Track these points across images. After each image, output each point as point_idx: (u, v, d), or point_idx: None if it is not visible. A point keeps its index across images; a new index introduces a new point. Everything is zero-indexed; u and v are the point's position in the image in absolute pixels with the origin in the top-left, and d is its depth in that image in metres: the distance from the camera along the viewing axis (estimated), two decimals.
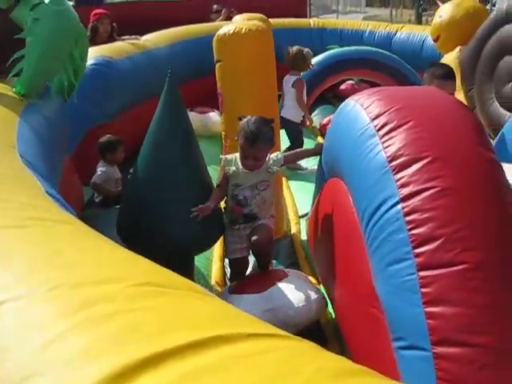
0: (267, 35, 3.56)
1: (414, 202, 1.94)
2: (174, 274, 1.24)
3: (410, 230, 1.90)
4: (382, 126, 2.19)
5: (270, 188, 2.97)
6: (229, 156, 2.96)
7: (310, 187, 4.55)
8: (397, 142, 2.11)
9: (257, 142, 2.79)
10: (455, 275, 1.78)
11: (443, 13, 5.95)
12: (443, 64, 3.95)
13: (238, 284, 2.85)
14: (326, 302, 2.66)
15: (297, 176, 5.10)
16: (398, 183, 2.01)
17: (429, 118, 2.19)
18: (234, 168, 2.87)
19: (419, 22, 24.63)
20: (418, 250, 1.86)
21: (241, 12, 8.87)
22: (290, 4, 11.82)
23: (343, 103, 2.67)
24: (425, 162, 2.00)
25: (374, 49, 6.77)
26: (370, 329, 2.15)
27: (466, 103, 5.39)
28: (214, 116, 6.16)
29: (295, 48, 5.59)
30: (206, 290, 1.29)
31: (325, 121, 6.48)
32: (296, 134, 5.46)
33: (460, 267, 1.78)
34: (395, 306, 1.91)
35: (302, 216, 4.21)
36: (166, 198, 2.71)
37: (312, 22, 8.88)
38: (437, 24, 6.00)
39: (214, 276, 3.32)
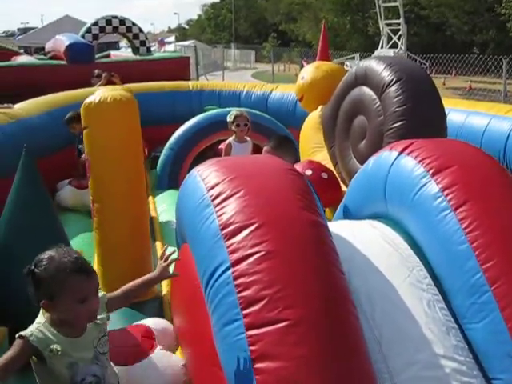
0: (132, 104, 3.79)
1: (241, 266, 2.12)
2: None
3: (239, 292, 2.07)
4: (217, 196, 2.39)
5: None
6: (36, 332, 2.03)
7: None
8: (228, 210, 2.31)
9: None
10: (277, 332, 1.96)
11: (305, 74, 6.42)
12: (278, 135, 4.49)
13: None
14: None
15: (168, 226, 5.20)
16: (229, 249, 2.19)
17: (257, 186, 2.41)
18: (55, 345, 2.02)
19: None
20: (245, 311, 2.03)
21: (122, 77, 9.14)
22: (173, 67, 12.21)
23: (188, 174, 2.86)
24: (252, 228, 2.20)
25: (247, 109, 7.09)
26: None
27: (330, 159, 5.81)
28: None
29: None
30: None
31: None
32: None
33: (281, 324, 1.96)
34: (230, 364, 2.06)
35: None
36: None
37: (191, 84, 9.18)
38: (300, 85, 6.46)
39: None
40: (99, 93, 3.73)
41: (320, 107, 6.15)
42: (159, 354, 2.76)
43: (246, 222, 2.24)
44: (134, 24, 14.31)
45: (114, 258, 3.75)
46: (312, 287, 2.08)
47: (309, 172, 5.15)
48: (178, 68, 12.39)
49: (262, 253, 2.13)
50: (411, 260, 2.68)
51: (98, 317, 2.16)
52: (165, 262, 2.47)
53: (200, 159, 6.43)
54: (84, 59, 11.21)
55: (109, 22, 13.95)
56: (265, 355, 1.94)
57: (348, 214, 3.41)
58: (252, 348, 1.97)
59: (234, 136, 5.50)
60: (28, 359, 2.02)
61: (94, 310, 2.10)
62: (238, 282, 2.09)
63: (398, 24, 30.24)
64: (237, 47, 43.00)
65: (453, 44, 32.04)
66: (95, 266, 3.11)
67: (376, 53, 31.36)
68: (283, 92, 8.66)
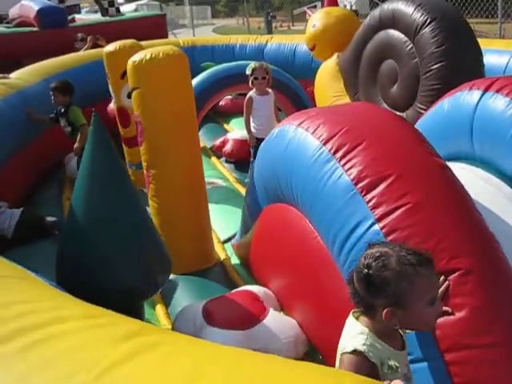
0: (185, 60, 3.50)
1: (390, 220, 2.01)
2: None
3: None
4: (337, 149, 2.26)
5: None
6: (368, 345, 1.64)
7: (223, 208, 4.57)
8: (357, 163, 2.19)
9: None
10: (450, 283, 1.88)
11: (316, 22, 6.19)
12: None
13: (211, 308, 2.74)
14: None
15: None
16: (370, 204, 2.08)
17: (378, 136, 2.30)
18: (391, 360, 1.65)
19: (269, 29, 25.60)
20: None
21: (105, 38, 8.75)
22: (149, 25, 11.75)
23: (278, 129, 2.71)
24: (390, 180, 2.09)
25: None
26: None
27: None
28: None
29: None
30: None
31: (218, 142, 6.53)
32: None
33: (452, 275, 1.88)
34: None
35: (225, 241, 4.18)
36: (110, 240, 2.58)
37: (181, 41, 8.86)
38: (311, 34, 6.23)
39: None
40: (147, 50, 3.44)
41: (336, 55, 5.98)
42: (275, 316, 2.67)
43: (380, 174, 2.12)
44: None
45: (174, 228, 3.55)
46: (469, 234, 1.99)
47: None
48: (154, 27, 11.91)
49: (409, 205, 2.02)
50: None
51: None
52: None
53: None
54: (57, 24, 10.61)
55: None
56: None
57: None
58: None
59: (254, 89, 5.32)
60: None
61: (440, 312, 1.76)
62: (390, 237, 1.99)
63: None
64: (189, 3, 41.79)
65: None
66: None
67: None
68: (279, 43, 8.45)
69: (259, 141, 5.37)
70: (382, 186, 2.10)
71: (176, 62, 3.39)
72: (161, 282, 2.75)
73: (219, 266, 3.82)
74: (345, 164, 2.21)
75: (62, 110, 5.31)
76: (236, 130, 6.91)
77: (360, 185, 2.14)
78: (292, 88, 6.62)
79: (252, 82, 5.23)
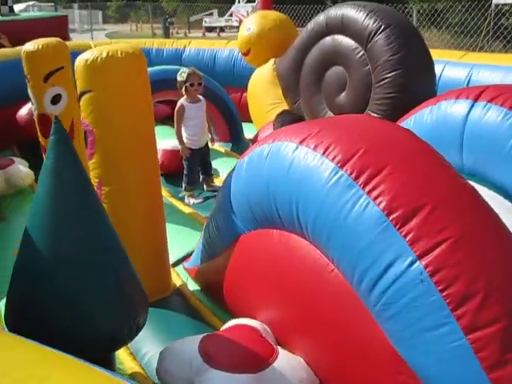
0: (144, 59, 3.01)
1: (434, 257, 1.76)
2: None
3: (443, 290, 1.72)
4: (359, 174, 1.96)
5: None
6: None
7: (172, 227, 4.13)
8: (385, 191, 1.90)
9: None
10: (506, 330, 1.64)
11: (251, 25, 5.86)
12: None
13: (211, 348, 2.34)
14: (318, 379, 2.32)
15: None
16: (407, 239, 1.81)
17: (401, 158, 2.03)
18: None
19: (167, 35, 25.03)
20: (457, 312, 1.69)
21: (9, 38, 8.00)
22: (51, 26, 10.96)
23: (269, 145, 2.36)
24: (426, 210, 1.84)
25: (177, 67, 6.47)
26: None
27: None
28: (17, 168, 5.22)
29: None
30: None
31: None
32: None
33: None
34: (447, 374, 1.70)
35: (174, 264, 3.76)
36: (80, 276, 2.12)
37: (93, 43, 8.20)
38: (246, 37, 5.89)
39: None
40: (98, 48, 2.92)
41: (272, 60, 5.70)
42: (285, 356, 2.30)
43: (414, 203, 1.86)
44: None
45: (129, 254, 3.10)
46: None
47: None
48: (55, 28, 11.08)
49: (452, 239, 1.77)
50: None
51: None
52: None
53: None
54: None
55: None
56: (501, 362, 1.62)
57: None
58: (480, 354, 1.63)
59: (185, 96, 4.92)
60: None
61: None
62: (437, 277, 1.72)
63: None
64: (79, 7, 40.17)
65: None
66: None
67: (233, 8, 31.00)
68: (198, 48, 8.06)
69: (193, 152, 5.00)
70: (418, 218, 1.83)
71: (136, 61, 2.92)
72: (142, 322, 2.32)
73: (177, 293, 3.41)
74: (371, 191, 1.92)
75: None
76: (164, 140, 6.46)
77: (393, 216, 1.86)
78: (219, 96, 6.28)
79: (186, 88, 4.83)
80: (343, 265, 2.00)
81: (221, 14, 31.31)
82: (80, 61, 2.90)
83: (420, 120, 3.11)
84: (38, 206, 2.16)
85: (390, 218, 1.85)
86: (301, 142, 2.19)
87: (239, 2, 31.72)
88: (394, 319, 1.82)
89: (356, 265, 1.92)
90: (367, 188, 1.93)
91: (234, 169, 2.71)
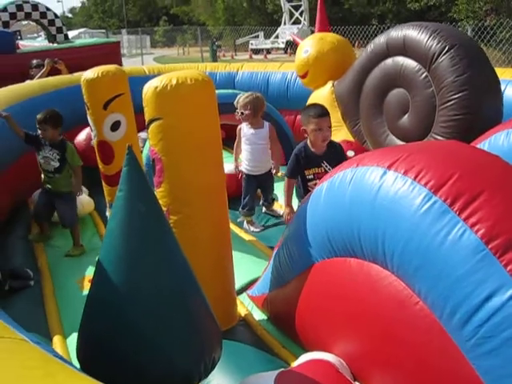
0: (212, 85, 2.96)
1: None
2: None
3: None
4: (454, 200, 1.86)
5: None
6: None
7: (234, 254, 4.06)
8: (484, 217, 1.81)
9: None
10: None
11: (308, 47, 5.84)
12: (315, 104, 3.99)
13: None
14: None
15: None
16: (508, 268, 1.70)
17: (497, 183, 1.94)
18: None
19: (215, 58, 25.36)
20: None
21: (66, 64, 8.15)
22: (102, 53, 11.22)
23: (358, 170, 2.27)
24: None
25: (235, 91, 6.46)
26: None
27: (353, 138, 5.34)
28: (83, 197, 5.19)
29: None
30: None
31: None
32: None
33: None
34: None
35: (238, 292, 3.66)
36: (154, 314, 2.03)
37: (146, 69, 8.32)
38: (303, 60, 5.86)
39: None
40: (167, 75, 2.85)
41: (330, 83, 5.64)
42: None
43: None
44: (48, 9, 12.92)
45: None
46: None
47: (351, 153, 4.69)
48: (107, 55, 11.34)
49: None
50: None
51: None
52: None
53: None
54: (6, 49, 9.97)
55: (20, 7, 12.51)
56: None
57: None
58: None
59: (246, 122, 4.88)
60: None
61: None
62: None
63: (299, 0, 30.51)
64: (128, 33, 41.32)
65: (351, 17, 32.53)
66: None
67: (279, 30, 31.33)
68: (251, 71, 8.08)
69: (249, 177, 4.94)
70: None
71: (205, 88, 2.87)
72: (217, 358, 2.24)
73: (242, 323, 3.32)
74: (468, 218, 1.83)
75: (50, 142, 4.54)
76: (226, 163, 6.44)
77: (492, 244, 1.76)
78: (274, 118, 6.23)
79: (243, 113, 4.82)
80: (432, 296, 1.90)
81: (267, 36, 31.66)
82: (149, 88, 2.85)
83: (495, 143, 2.99)
84: (111, 239, 2.09)
85: (490, 246, 1.75)
86: (389, 167, 2.11)
87: (285, 23, 32.04)
88: (492, 354, 1.70)
89: (449, 296, 1.83)
90: (464, 214, 1.84)
91: (310, 195, 2.63)
